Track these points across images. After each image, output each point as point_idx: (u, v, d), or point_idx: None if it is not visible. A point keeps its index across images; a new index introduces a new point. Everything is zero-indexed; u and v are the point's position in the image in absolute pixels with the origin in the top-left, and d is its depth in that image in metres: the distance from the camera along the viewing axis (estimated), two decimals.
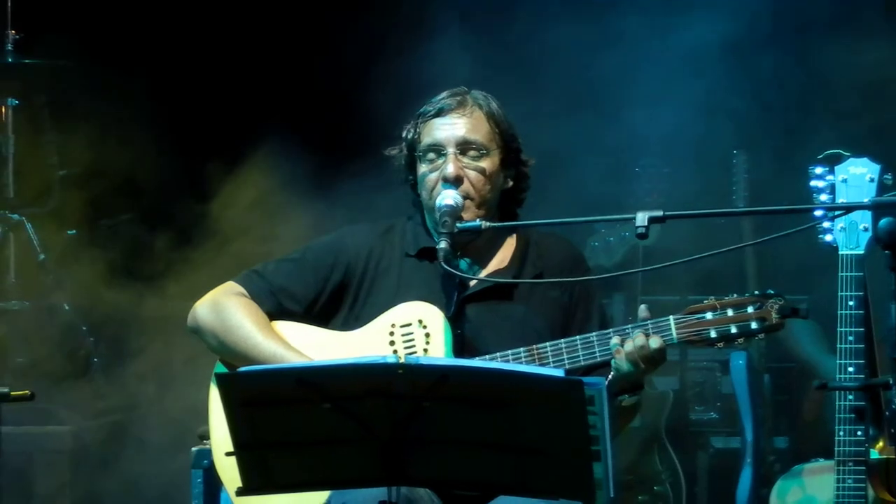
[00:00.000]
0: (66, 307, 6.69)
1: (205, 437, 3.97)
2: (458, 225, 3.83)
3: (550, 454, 3.17)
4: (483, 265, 3.97)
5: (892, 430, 4.29)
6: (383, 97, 5.88)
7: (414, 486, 3.58)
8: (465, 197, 3.87)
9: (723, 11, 6.12)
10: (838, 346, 4.21)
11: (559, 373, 3.21)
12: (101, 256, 6.61)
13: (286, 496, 3.40)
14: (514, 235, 4.02)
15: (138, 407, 6.31)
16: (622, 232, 6.28)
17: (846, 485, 4.18)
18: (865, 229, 4.18)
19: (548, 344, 3.80)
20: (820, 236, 4.24)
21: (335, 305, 3.96)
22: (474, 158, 3.91)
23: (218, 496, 4.00)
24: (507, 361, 3.77)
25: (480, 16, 6.56)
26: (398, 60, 6.28)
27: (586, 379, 3.13)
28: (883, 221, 3.39)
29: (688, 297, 5.70)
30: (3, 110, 6.88)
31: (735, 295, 3.80)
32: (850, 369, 4.17)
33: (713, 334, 3.76)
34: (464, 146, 3.91)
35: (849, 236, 4.19)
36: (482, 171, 3.90)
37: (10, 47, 6.82)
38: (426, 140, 3.94)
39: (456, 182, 3.87)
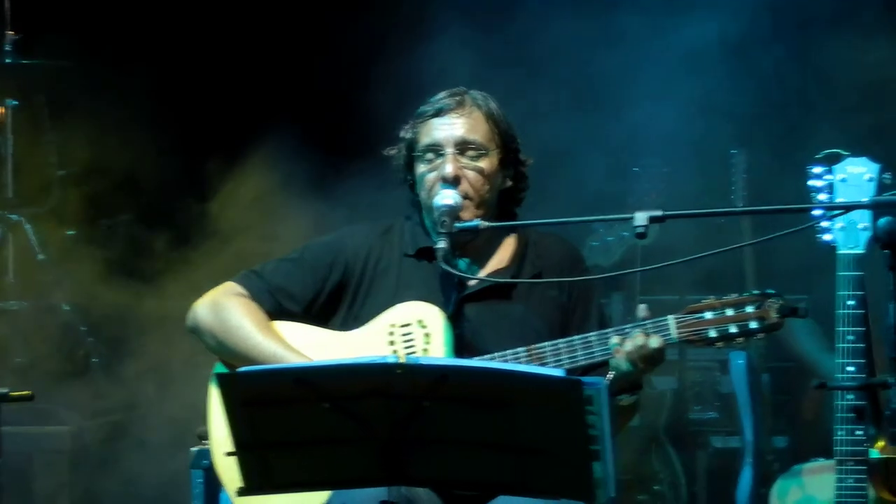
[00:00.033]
0: (66, 307, 6.69)
1: (204, 437, 3.97)
2: (457, 225, 3.83)
3: (550, 454, 3.17)
4: (482, 265, 3.98)
5: (892, 430, 4.30)
6: (383, 97, 5.88)
7: (414, 486, 3.58)
8: (464, 197, 3.87)
9: (723, 11, 6.12)
10: (837, 345, 4.20)
11: (559, 372, 3.21)
12: (100, 256, 6.61)
13: (286, 496, 3.40)
14: (513, 235, 4.02)
15: (138, 407, 6.31)
16: (621, 232, 6.28)
17: (846, 484, 4.17)
18: (864, 229, 4.18)
19: (547, 344, 3.80)
20: (819, 236, 4.23)
21: (334, 305, 3.97)
22: (473, 158, 3.91)
23: (218, 496, 4.00)
24: (507, 361, 3.78)
25: (480, 15, 6.55)
26: (398, 60, 6.28)
27: (585, 378, 3.13)
28: (882, 221, 3.39)
29: (687, 297, 5.69)
30: (3, 111, 6.88)
31: (734, 294, 3.80)
32: (850, 369, 4.17)
33: (712, 334, 3.76)
34: (462, 146, 3.91)
35: (848, 236, 4.19)
36: (481, 171, 3.90)
37: (8, 48, 6.81)
38: (425, 140, 3.94)
39: (455, 182, 3.87)
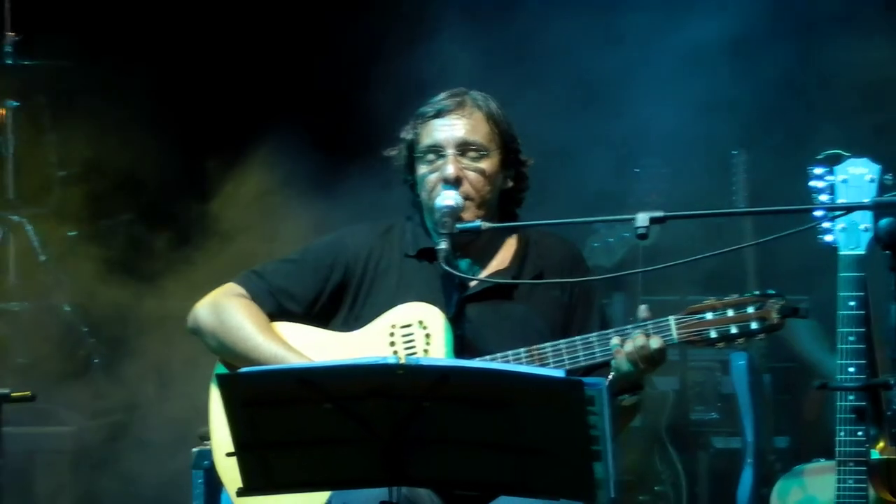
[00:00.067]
0: (67, 308, 6.69)
1: (205, 437, 3.97)
2: (458, 225, 3.83)
3: (551, 454, 3.17)
4: (483, 265, 3.98)
5: (893, 431, 4.30)
6: (383, 97, 5.88)
7: (415, 487, 3.58)
8: (465, 198, 3.87)
9: (724, 11, 6.11)
10: (838, 346, 4.20)
11: (560, 373, 3.21)
12: (101, 256, 6.61)
13: (287, 497, 3.40)
14: (514, 235, 4.02)
15: (139, 407, 6.31)
16: (622, 232, 6.27)
17: (847, 485, 4.17)
18: (866, 229, 4.17)
19: (548, 344, 3.80)
20: (820, 236, 4.23)
21: (335, 306, 3.96)
22: (474, 159, 3.91)
23: (218, 497, 4.00)
24: (508, 362, 3.78)
25: (481, 15, 6.55)
26: (398, 60, 6.27)
27: (587, 379, 3.13)
28: (883, 222, 3.39)
29: (688, 298, 5.69)
30: (3, 112, 6.88)
31: (735, 295, 3.80)
32: (851, 369, 4.17)
33: (713, 334, 3.76)
34: (463, 147, 3.91)
35: (849, 237, 4.19)
36: (482, 172, 3.90)
37: (9, 49, 6.81)
38: (426, 141, 3.94)
39: (456, 183, 3.87)
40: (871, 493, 4.22)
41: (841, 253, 4.20)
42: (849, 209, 4.10)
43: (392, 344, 3.85)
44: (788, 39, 6.50)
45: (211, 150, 6.53)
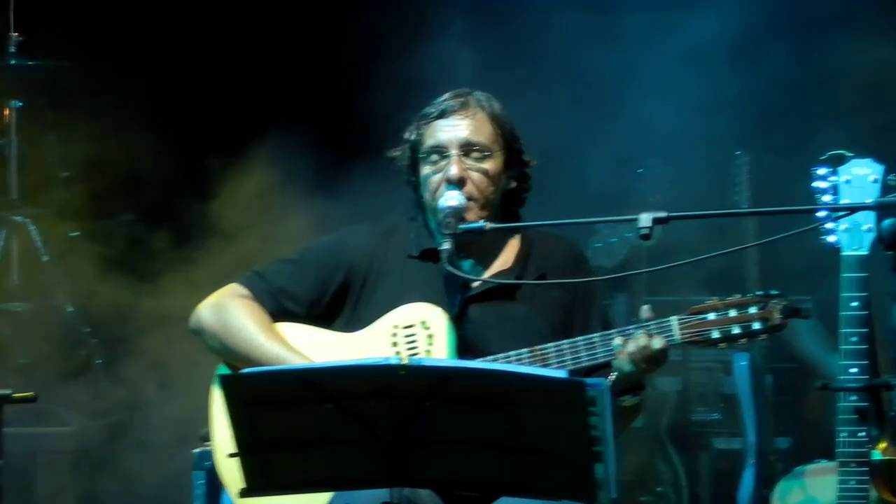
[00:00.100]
0: (69, 308, 6.68)
1: (206, 438, 3.96)
2: (461, 226, 3.83)
3: (552, 455, 3.17)
4: (486, 266, 3.97)
5: (895, 432, 4.29)
6: (383, 97, 5.88)
7: (416, 487, 3.57)
8: (469, 198, 3.87)
9: (727, 11, 6.11)
10: (841, 346, 4.20)
11: (562, 374, 3.21)
12: (103, 257, 6.61)
13: (288, 498, 3.40)
14: (517, 236, 4.01)
15: (140, 407, 6.31)
16: (624, 233, 6.27)
17: (848, 486, 4.17)
18: (869, 230, 4.17)
19: (550, 345, 3.79)
20: (823, 237, 4.23)
21: (337, 306, 3.96)
22: (477, 160, 3.91)
23: (219, 497, 3.99)
24: (510, 362, 3.77)
25: (481, 14, 6.55)
26: (398, 60, 6.27)
27: (588, 380, 3.13)
28: (886, 222, 3.38)
29: (690, 298, 5.68)
30: (7, 112, 6.88)
31: (738, 295, 3.79)
32: (853, 370, 4.17)
33: (716, 335, 3.76)
34: (467, 148, 3.90)
35: (852, 237, 4.19)
36: (485, 173, 3.90)
37: (12, 49, 6.81)
38: (429, 142, 3.93)
39: (459, 183, 3.87)
40: (873, 494, 4.22)
41: (844, 253, 4.20)
42: (852, 210, 4.10)
43: (394, 344, 3.85)
44: (790, 39, 6.50)
45: (211, 150, 6.52)
